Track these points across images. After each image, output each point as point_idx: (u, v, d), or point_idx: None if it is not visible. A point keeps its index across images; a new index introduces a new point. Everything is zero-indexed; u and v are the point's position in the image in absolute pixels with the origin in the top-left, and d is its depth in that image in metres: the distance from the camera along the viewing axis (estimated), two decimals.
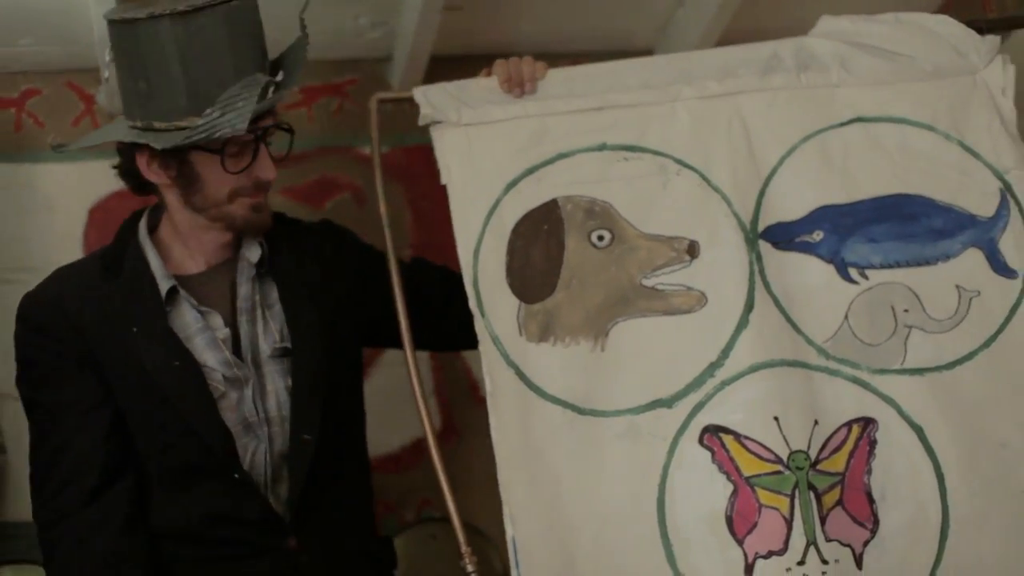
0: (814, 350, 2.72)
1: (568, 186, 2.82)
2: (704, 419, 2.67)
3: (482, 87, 2.87)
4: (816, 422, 2.65)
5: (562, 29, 3.83)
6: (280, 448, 2.71)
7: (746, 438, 2.64)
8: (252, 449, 2.69)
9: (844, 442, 2.67)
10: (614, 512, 2.64)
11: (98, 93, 3.59)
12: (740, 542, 2.61)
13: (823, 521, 2.61)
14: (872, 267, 2.79)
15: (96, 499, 2.58)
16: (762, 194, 2.81)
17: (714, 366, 2.69)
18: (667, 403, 2.68)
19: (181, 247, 2.76)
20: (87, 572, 2.54)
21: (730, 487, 2.63)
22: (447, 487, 2.70)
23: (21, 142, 3.63)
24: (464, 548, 2.68)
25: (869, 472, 2.66)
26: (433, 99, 2.84)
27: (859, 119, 2.89)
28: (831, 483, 2.63)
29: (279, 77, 2.59)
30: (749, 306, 2.70)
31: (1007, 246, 2.82)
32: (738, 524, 2.62)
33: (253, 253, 2.76)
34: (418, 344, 2.84)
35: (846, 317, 2.76)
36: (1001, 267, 2.79)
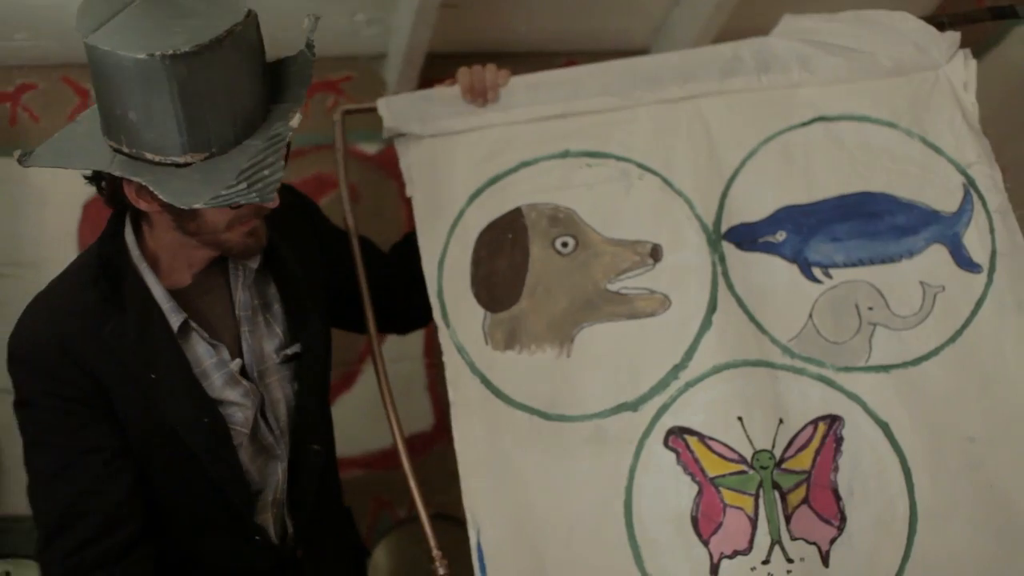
0: (779, 349, 2.68)
1: (532, 194, 2.81)
2: (669, 421, 2.65)
3: (446, 96, 2.85)
4: (781, 421, 2.62)
5: (558, 27, 3.79)
6: (283, 455, 2.60)
7: (710, 439, 2.61)
8: (271, 471, 2.59)
9: (810, 440, 2.64)
10: (582, 515, 2.62)
11: None
12: (705, 542, 2.59)
13: (788, 520, 2.58)
14: (835, 266, 2.76)
15: (128, 555, 2.40)
16: (724, 196, 2.77)
17: (678, 368, 2.66)
18: (632, 406, 2.66)
19: (169, 259, 2.48)
20: None
21: (695, 488, 2.61)
22: (416, 489, 2.71)
23: (16, 136, 3.60)
24: (435, 552, 2.67)
25: (836, 469, 2.62)
26: (397, 110, 2.82)
27: (821, 118, 2.85)
28: (797, 481, 2.59)
29: (293, 122, 2.32)
30: (712, 307, 2.67)
31: (971, 240, 2.78)
32: (703, 524, 2.60)
33: (252, 261, 2.53)
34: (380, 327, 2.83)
35: (810, 316, 2.73)
36: (965, 262, 2.75)
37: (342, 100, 3.70)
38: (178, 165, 2.22)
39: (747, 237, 2.77)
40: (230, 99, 2.22)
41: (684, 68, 2.86)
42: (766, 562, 2.56)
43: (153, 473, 2.43)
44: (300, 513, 2.62)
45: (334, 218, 2.78)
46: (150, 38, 2.14)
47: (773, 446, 2.61)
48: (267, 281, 2.57)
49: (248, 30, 2.21)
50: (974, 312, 2.75)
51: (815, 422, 2.66)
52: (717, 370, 2.65)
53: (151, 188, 2.18)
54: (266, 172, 2.22)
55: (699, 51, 2.90)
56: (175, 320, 2.42)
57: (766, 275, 2.75)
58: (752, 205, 2.79)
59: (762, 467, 2.57)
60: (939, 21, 2.89)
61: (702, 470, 2.60)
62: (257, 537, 2.53)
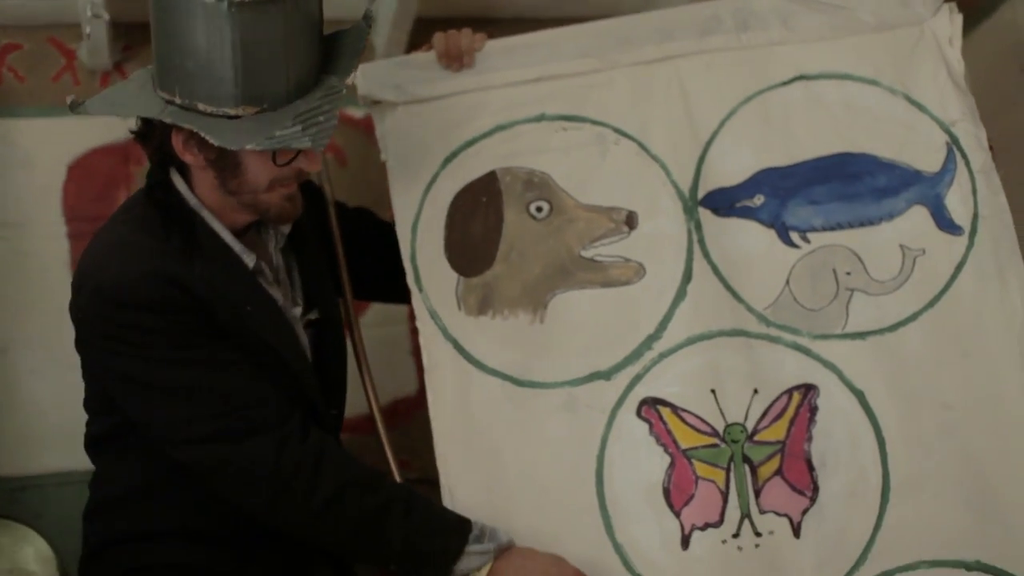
0: (754, 317, 2.61)
1: (506, 157, 2.72)
2: (642, 391, 2.59)
3: (422, 62, 2.76)
4: (756, 391, 2.57)
5: None
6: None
7: (683, 411, 2.56)
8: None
9: (784, 410, 2.58)
10: (553, 483, 2.57)
11: (79, 48, 3.55)
12: (677, 514, 2.54)
13: (758, 494, 2.54)
14: (814, 230, 2.67)
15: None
16: (702, 160, 2.69)
17: (652, 338, 2.59)
18: (605, 375, 2.60)
19: (217, 208, 2.52)
20: (359, 475, 2.47)
21: (667, 459, 2.56)
22: (391, 454, 2.69)
23: (1, 97, 3.52)
24: None
25: (809, 439, 2.57)
26: (372, 78, 2.74)
27: (801, 77, 2.75)
28: (769, 453, 2.56)
29: (349, 79, 2.41)
30: (687, 277, 2.61)
31: (953, 201, 2.68)
32: (675, 496, 2.55)
33: (285, 226, 2.60)
34: (365, 294, 2.87)
35: (787, 283, 2.65)
36: (947, 223, 2.67)
37: None
38: (229, 117, 2.28)
39: (724, 202, 2.68)
40: (287, 56, 2.28)
41: (662, 28, 2.76)
42: (736, 535, 2.52)
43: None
44: None
45: (351, 175, 2.88)
46: None
47: (746, 419, 2.56)
48: (291, 254, 2.62)
49: None
50: (954, 276, 2.66)
51: (790, 392, 2.60)
52: (691, 341, 2.59)
53: (202, 134, 2.24)
54: (321, 118, 2.29)
55: (677, 10, 2.80)
56: (249, 260, 2.48)
57: (743, 241, 2.67)
58: (730, 169, 2.70)
59: (733, 441, 2.52)
60: None
61: (675, 441, 2.54)
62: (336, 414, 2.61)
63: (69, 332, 2.44)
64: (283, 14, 2.24)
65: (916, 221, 2.69)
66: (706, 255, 2.62)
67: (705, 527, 2.53)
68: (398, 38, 3.54)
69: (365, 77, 2.72)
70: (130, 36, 3.45)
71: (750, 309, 2.62)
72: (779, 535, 2.53)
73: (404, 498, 2.42)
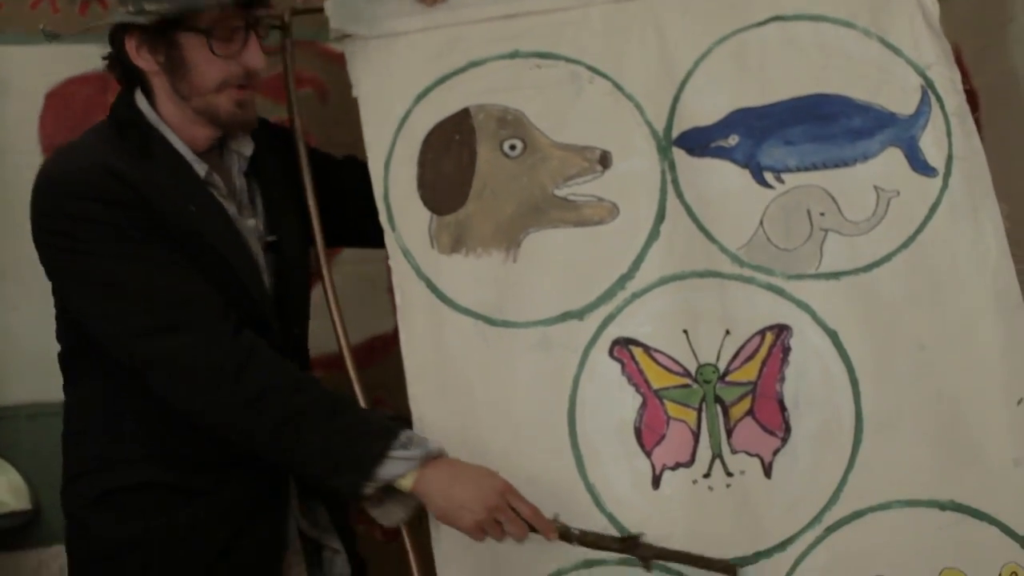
0: (728, 258, 2.56)
1: (480, 95, 2.64)
2: (614, 331, 2.53)
3: None
4: (728, 332, 2.53)
5: None
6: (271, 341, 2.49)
7: (655, 351, 2.51)
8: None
9: (757, 350, 2.54)
10: (525, 423, 2.52)
11: None
12: (648, 453, 2.50)
13: (729, 434, 2.50)
14: (788, 170, 2.62)
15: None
16: (676, 99, 2.63)
17: (625, 278, 2.54)
18: (578, 315, 2.54)
19: (179, 126, 2.53)
20: (288, 377, 2.41)
21: (639, 399, 2.51)
22: (360, 393, 2.61)
23: None
24: None
25: (782, 380, 2.53)
26: (344, 11, 2.65)
27: (777, 18, 2.68)
28: (741, 393, 2.51)
29: None
30: (660, 217, 2.54)
31: (927, 144, 2.63)
32: (646, 436, 2.50)
33: (246, 147, 2.59)
34: (346, 241, 2.84)
35: (761, 223, 2.60)
36: (921, 165, 2.61)
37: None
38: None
39: (698, 142, 2.62)
40: None
41: None
42: (707, 475, 2.49)
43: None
44: None
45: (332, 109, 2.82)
46: None
47: (718, 359, 2.52)
48: (254, 182, 2.60)
49: None
50: (928, 217, 2.62)
51: (762, 332, 2.55)
52: (664, 281, 2.54)
53: (135, 21, 2.34)
54: None
55: None
56: (200, 169, 2.48)
57: (717, 181, 2.61)
58: (704, 109, 2.64)
59: (705, 381, 2.47)
60: None
61: (646, 381, 2.50)
62: (280, 330, 2.52)
63: None
64: None
65: (890, 163, 2.64)
66: (680, 195, 2.56)
67: (676, 467, 2.49)
68: None
69: (336, 10, 2.62)
70: None
71: (723, 249, 2.57)
72: (750, 475, 2.49)
73: (331, 401, 2.36)
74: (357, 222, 2.70)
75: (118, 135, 2.46)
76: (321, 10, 2.65)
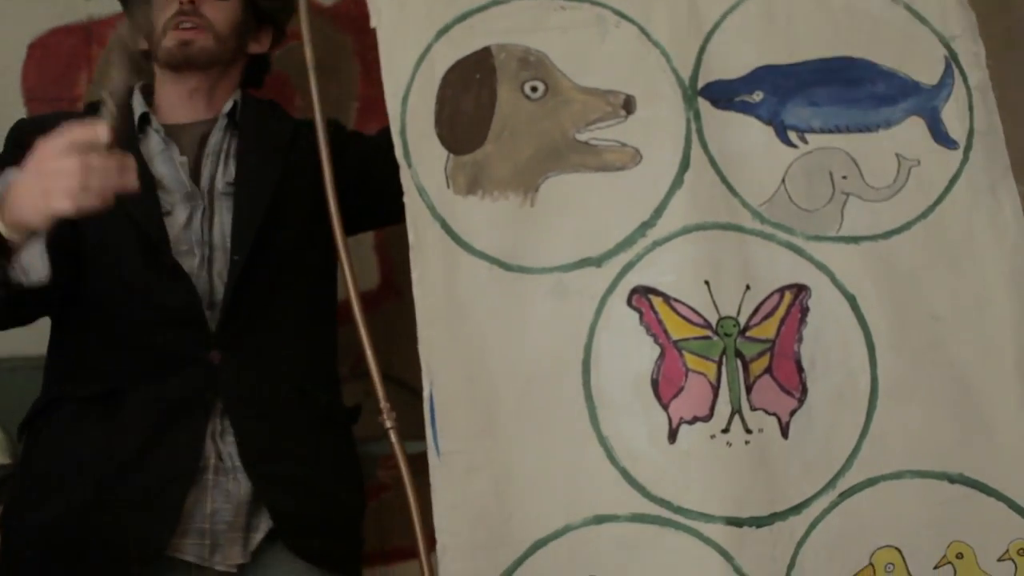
0: (749, 213, 2.45)
1: (502, 34, 2.52)
2: (634, 279, 2.41)
3: None
4: (748, 287, 2.40)
5: None
6: (219, 270, 2.50)
7: (675, 301, 2.38)
8: (191, 265, 2.49)
9: (776, 308, 2.42)
10: (538, 372, 2.39)
11: None
12: (665, 406, 2.37)
13: (749, 390, 2.37)
14: (812, 131, 2.52)
15: None
16: (702, 50, 2.52)
17: (646, 226, 2.41)
18: (596, 262, 2.41)
19: (167, 104, 2.64)
20: None
21: (657, 350, 2.38)
22: (368, 342, 2.47)
23: None
24: (383, 404, 2.44)
25: (800, 340, 2.41)
26: None
27: None
28: (760, 350, 2.38)
29: None
30: (684, 165, 2.42)
31: (949, 116, 2.56)
32: (664, 388, 2.37)
33: (227, 105, 2.62)
34: (370, 224, 2.75)
35: (783, 181, 2.50)
36: (942, 137, 2.53)
37: None
38: None
39: (723, 95, 2.52)
40: None
41: None
42: (725, 431, 2.35)
43: (92, 226, 2.35)
44: (221, 318, 2.46)
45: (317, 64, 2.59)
46: None
47: (739, 313, 2.40)
48: (234, 134, 2.62)
49: None
50: (947, 189, 2.53)
51: (782, 290, 2.44)
52: (687, 231, 2.41)
53: None
54: None
55: None
56: (138, 111, 2.54)
57: (741, 136, 2.51)
58: (730, 62, 2.53)
59: (726, 334, 2.34)
60: None
61: (665, 332, 2.36)
62: (168, 262, 2.45)
63: None
64: None
65: (912, 132, 2.56)
66: (704, 145, 2.46)
67: (694, 421, 2.36)
68: None
69: None
70: None
71: (745, 204, 2.46)
72: (768, 434, 2.37)
73: None
74: (381, 201, 2.58)
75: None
76: None
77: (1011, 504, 2.42)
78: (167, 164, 2.54)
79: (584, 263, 2.42)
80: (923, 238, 2.50)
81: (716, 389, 2.36)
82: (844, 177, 2.51)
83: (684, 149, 2.44)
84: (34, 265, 2.22)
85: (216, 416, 2.47)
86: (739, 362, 2.36)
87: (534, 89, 2.48)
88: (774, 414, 2.37)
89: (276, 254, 2.58)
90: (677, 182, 2.42)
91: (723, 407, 2.35)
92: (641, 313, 2.37)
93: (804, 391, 2.40)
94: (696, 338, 2.36)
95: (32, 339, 2.60)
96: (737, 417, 2.33)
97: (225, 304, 2.50)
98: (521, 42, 2.52)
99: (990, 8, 2.69)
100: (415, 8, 2.52)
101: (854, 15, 2.59)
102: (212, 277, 2.53)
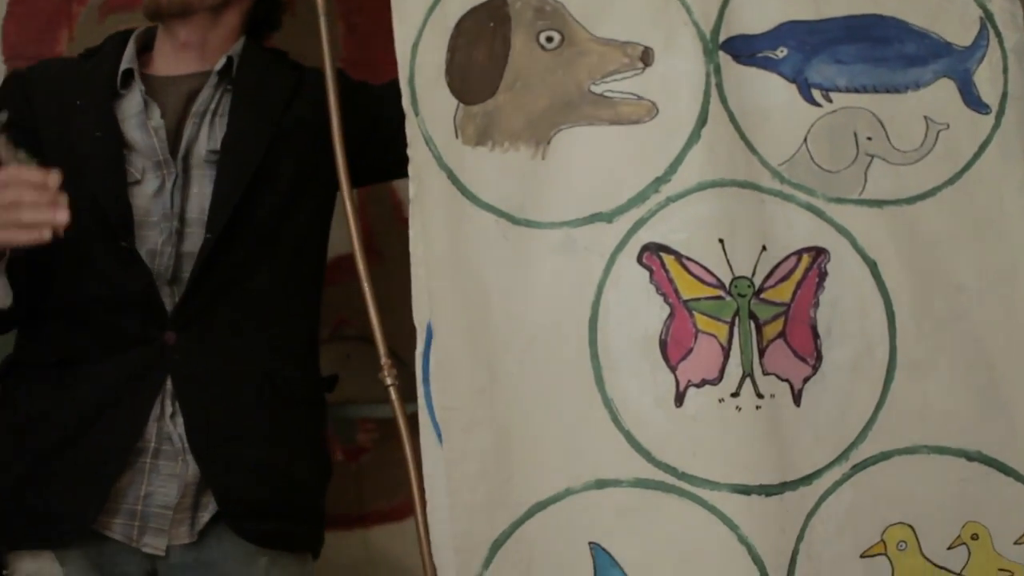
0: (768, 172, 2.33)
1: None
2: (645, 236, 2.29)
3: None
4: (764, 248, 2.29)
5: None
6: (190, 249, 2.41)
7: (688, 259, 2.27)
8: (156, 241, 2.39)
9: (792, 271, 2.30)
10: (542, 329, 2.28)
11: None
12: (673, 368, 2.25)
13: (762, 353, 2.25)
14: (837, 90, 2.40)
15: None
16: (725, 4, 2.40)
17: (660, 181, 2.29)
18: (607, 217, 2.30)
19: (160, 54, 2.53)
20: None
21: (666, 310, 2.26)
22: (371, 299, 2.37)
23: None
24: (384, 360, 2.34)
25: (816, 305, 2.29)
26: None
27: None
28: (775, 313, 2.26)
29: None
30: (702, 120, 2.30)
31: (982, 79, 2.42)
32: (672, 349, 2.25)
33: (220, 62, 2.47)
34: (375, 177, 2.66)
35: (805, 141, 2.38)
36: (974, 100, 2.40)
37: None
38: None
39: (745, 50, 2.39)
40: None
41: None
42: (735, 395, 2.23)
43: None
44: (182, 297, 2.35)
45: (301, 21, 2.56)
46: None
47: (753, 274, 2.28)
48: (228, 93, 2.49)
49: None
50: (977, 155, 2.40)
51: (799, 253, 2.32)
52: (702, 187, 2.29)
53: None
54: None
55: None
56: (123, 67, 2.42)
57: (762, 93, 2.38)
58: (754, 16, 2.41)
59: (740, 295, 2.22)
60: None
61: (676, 291, 2.25)
62: (125, 245, 2.35)
63: None
64: None
65: (942, 94, 2.42)
66: (723, 101, 2.34)
67: (702, 384, 2.25)
68: None
69: None
70: None
71: (764, 163, 2.34)
72: (780, 400, 2.26)
73: None
74: (388, 154, 2.48)
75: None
76: None
77: None
78: (140, 129, 2.41)
79: (594, 218, 2.31)
80: (950, 205, 2.37)
81: (727, 351, 2.24)
82: (869, 138, 2.38)
83: (703, 103, 2.32)
84: None
85: (166, 397, 2.38)
86: (752, 324, 2.25)
87: (549, 39, 2.37)
88: (786, 380, 2.26)
89: (255, 229, 2.46)
90: (694, 137, 2.30)
91: (733, 370, 2.24)
92: (651, 271, 2.26)
93: (819, 358, 2.28)
94: (708, 298, 2.24)
95: None
96: (748, 381, 2.22)
97: (190, 283, 2.40)
98: None
99: None
100: None
101: None
102: (180, 253, 2.41)
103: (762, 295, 2.26)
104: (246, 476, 2.38)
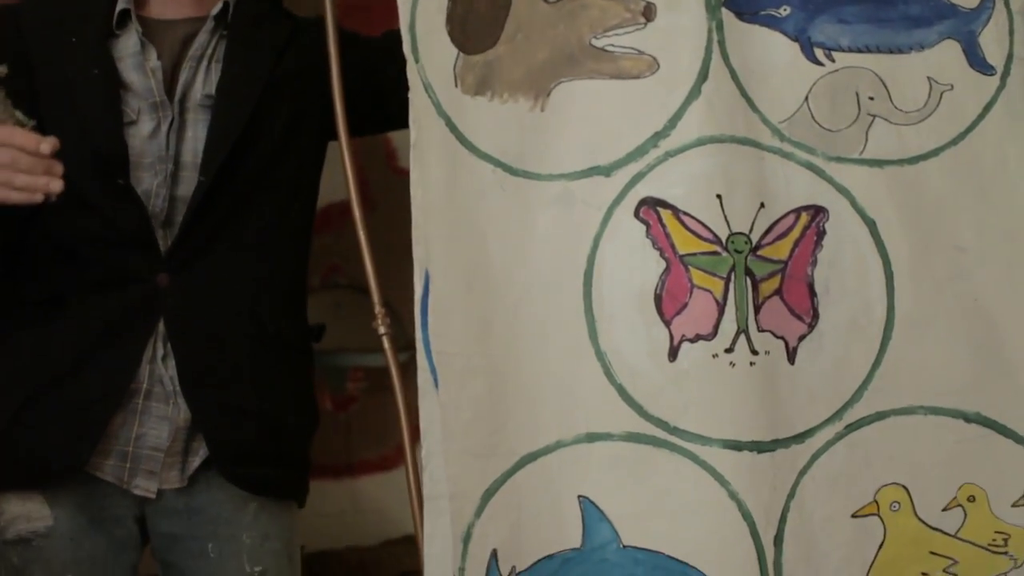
0: (768, 130, 2.29)
1: None
2: (643, 191, 2.25)
3: None
4: (762, 205, 2.25)
5: None
6: (183, 193, 2.39)
7: (685, 214, 2.23)
8: (150, 183, 2.36)
9: (791, 229, 2.27)
10: (537, 282, 2.26)
11: None
12: (667, 323, 2.22)
13: (758, 310, 2.22)
14: (839, 49, 2.35)
15: None
16: None
17: (659, 136, 2.26)
18: (605, 171, 2.26)
19: (157, 1, 2.45)
20: None
21: (662, 264, 2.23)
22: (367, 249, 2.37)
23: None
24: (378, 308, 2.34)
25: (814, 263, 2.26)
26: None
27: None
28: (771, 271, 2.23)
29: None
30: (703, 76, 2.26)
31: (988, 40, 2.38)
32: (667, 304, 2.22)
33: (216, 7, 2.43)
34: (372, 128, 2.63)
35: (806, 99, 2.34)
36: (979, 62, 2.36)
37: None
38: None
39: (748, 7, 2.34)
40: None
41: None
42: (729, 350, 2.20)
43: (50, 126, 2.21)
44: (175, 240, 2.34)
45: None
46: None
47: (751, 230, 2.24)
48: (223, 39, 2.46)
49: None
50: (981, 116, 2.35)
51: (798, 211, 2.28)
52: (701, 143, 2.25)
53: None
54: None
55: None
56: (120, 6, 2.37)
57: (764, 50, 2.34)
58: None
59: (736, 251, 2.18)
60: None
61: (672, 246, 2.21)
62: (122, 183, 2.32)
63: None
64: None
65: (947, 55, 2.38)
66: (725, 57, 2.30)
67: (696, 339, 2.21)
68: None
69: None
70: None
71: (765, 121, 2.31)
72: (774, 357, 2.22)
73: None
74: (382, 106, 2.50)
75: None
76: None
77: None
78: (137, 70, 2.37)
79: (592, 171, 2.27)
80: (952, 166, 2.33)
81: (722, 307, 2.21)
82: (871, 98, 2.34)
83: (704, 59, 2.28)
84: None
85: (158, 339, 2.36)
86: (749, 281, 2.21)
87: None
88: (781, 338, 2.22)
89: (248, 173, 2.45)
90: (694, 92, 2.26)
91: (728, 326, 2.20)
92: (648, 225, 2.23)
93: (815, 316, 2.25)
94: (704, 253, 2.20)
95: None
96: (743, 337, 2.18)
97: (184, 226, 2.38)
98: None
99: None
100: None
101: None
102: (174, 196, 2.40)
103: (759, 252, 2.22)
104: (235, 420, 2.37)
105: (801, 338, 2.24)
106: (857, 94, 2.35)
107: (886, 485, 2.26)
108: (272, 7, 2.65)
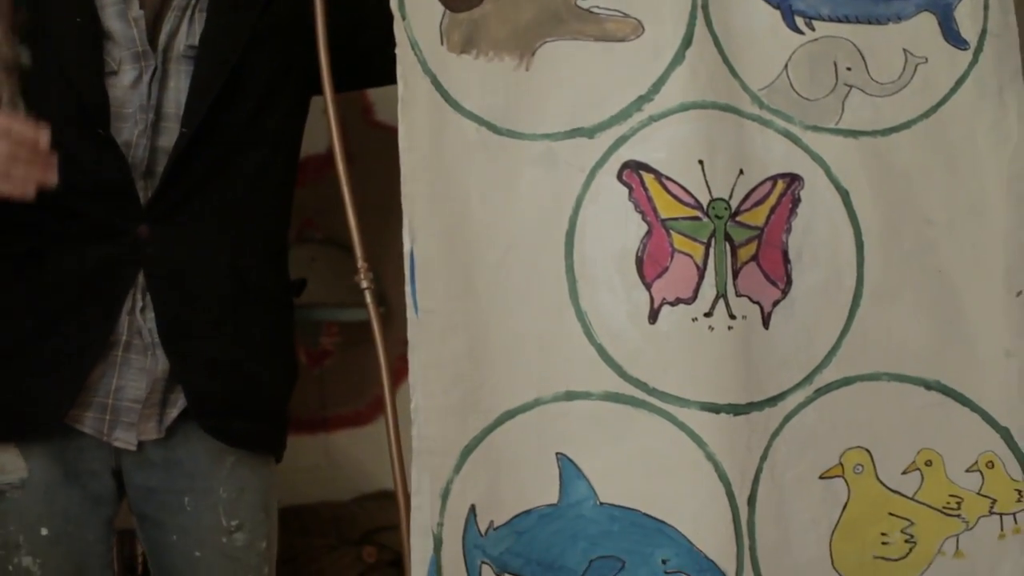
0: (748, 97, 2.31)
1: None
2: (626, 154, 2.26)
3: None
4: (741, 171, 2.27)
5: None
6: (165, 144, 2.33)
7: (667, 178, 2.24)
8: (131, 133, 2.34)
9: (767, 196, 2.29)
10: (520, 240, 2.26)
11: None
12: (648, 285, 2.24)
13: (736, 275, 2.24)
14: (820, 18, 2.37)
15: None
16: None
17: (643, 99, 2.26)
18: (588, 133, 2.27)
19: None
20: None
21: (644, 227, 2.24)
22: (351, 204, 2.35)
23: None
24: (361, 263, 2.33)
25: (788, 231, 2.29)
26: None
27: None
28: (749, 236, 2.25)
29: None
30: (687, 41, 2.27)
31: (963, 15, 2.40)
32: (648, 266, 2.24)
33: None
34: (358, 83, 2.61)
35: (786, 67, 2.35)
36: (953, 36, 2.38)
37: None
38: None
39: None
40: None
41: None
42: (708, 314, 2.22)
43: (33, 80, 2.18)
44: (155, 191, 2.28)
45: None
46: None
47: (731, 196, 2.26)
48: None
49: None
50: (953, 90, 2.39)
51: (774, 178, 2.31)
52: (684, 108, 2.26)
53: None
54: None
55: None
56: None
57: (746, 17, 2.35)
58: None
59: (717, 216, 2.20)
60: None
61: (654, 210, 2.22)
62: (102, 132, 2.26)
63: None
64: None
65: (922, 28, 2.40)
66: (709, 23, 2.31)
67: (676, 302, 2.23)
68: None
69: None
70: None
71: (745, 87, 2.32)
72: (751, 321, 2.25)
73: None
74: (369, 61, 2.47)
75: None
76: None
77: (984, 416, 2.33)
78: (120, 18, 2.30)
79: (576, 133, 2.27)
80: (923, 138, 2.36)
81: (702, 272, 2.23)
82: (848, 68, 2.37)
83: (688, 24, 2.29)
84: None
85: (137, 291, 2.32)
86: (728, 246, 2.23)
87: None
88: (757, 303, 2.26)
89: (231, 126, 2.39)
90: (678, 58, 2.27)
91: (708, 290, 2.23)
92: (631, 189, 2.24)
93: (788, 282, 2.29)
94: (685, 218, 2.22)
95: None
96: (722, 302, 2.21)
97: (165, 176, 2.33)
98: None
99: None
100: None
101: None
102: (155, 146, 2.34)
103: (738, 218, 2.24)
104: (216, 373, 2.34)
105: (775, 303, 2.27)
106: (835, 64, 2.37)
107: (851, 448, 2.30)
108: None
